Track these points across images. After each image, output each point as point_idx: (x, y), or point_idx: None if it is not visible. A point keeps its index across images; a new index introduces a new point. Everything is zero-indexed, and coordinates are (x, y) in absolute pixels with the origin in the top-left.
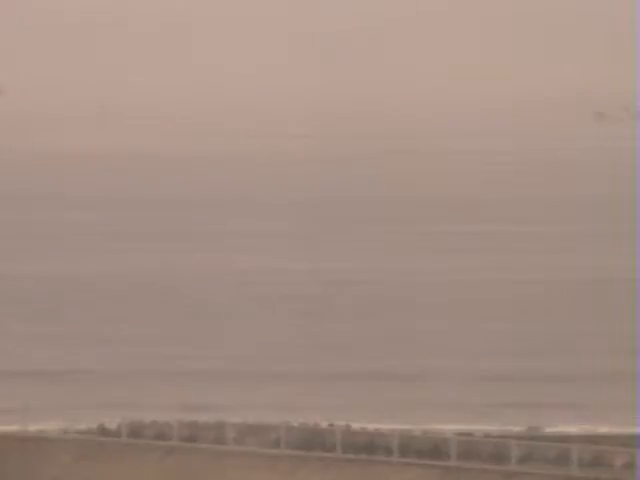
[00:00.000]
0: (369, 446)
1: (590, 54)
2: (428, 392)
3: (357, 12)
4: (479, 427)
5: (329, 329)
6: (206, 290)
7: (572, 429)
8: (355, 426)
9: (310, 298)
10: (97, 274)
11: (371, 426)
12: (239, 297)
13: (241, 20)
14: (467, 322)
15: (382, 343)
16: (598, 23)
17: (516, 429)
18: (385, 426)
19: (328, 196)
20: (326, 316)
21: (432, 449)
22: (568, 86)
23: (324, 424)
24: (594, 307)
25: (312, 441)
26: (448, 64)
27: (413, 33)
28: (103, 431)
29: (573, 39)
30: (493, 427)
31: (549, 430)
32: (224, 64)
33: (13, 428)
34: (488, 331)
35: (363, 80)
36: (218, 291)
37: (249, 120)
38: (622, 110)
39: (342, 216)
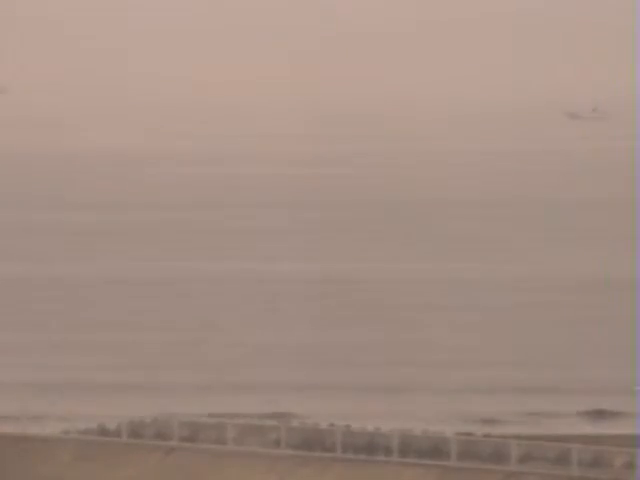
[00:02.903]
0: (369, 446)
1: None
2: (428, 400)
3: (359, 16)
4: (479, 427)
5: (328, 333)
6: (206, 294)
7: (572, 430)
8: (355, 426)
9: (310, 299)
10: (97, 277)
11: (371, 426)
12: (239, 300)
13: (241, 20)
14: (467, 326)
15: (383, 349)
16: (569, 30)
17: (516, 429)
18: (385, 426)
19: (328, 196)
20: (326, 318)
21: (432, 449)
22: (544, 89)
23: (324, 424)
24: (594, 311)
25: (312, 441)
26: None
27: (413, 38)
28: (103, 431)
29: (548, 45)
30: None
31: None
32: (224, 64)
33: (13, 429)
34: (488, 336)
35: (363, 81)
36: (217, 295)
37: (249, 120)
38: (591, 111)
39: (343, 216)
